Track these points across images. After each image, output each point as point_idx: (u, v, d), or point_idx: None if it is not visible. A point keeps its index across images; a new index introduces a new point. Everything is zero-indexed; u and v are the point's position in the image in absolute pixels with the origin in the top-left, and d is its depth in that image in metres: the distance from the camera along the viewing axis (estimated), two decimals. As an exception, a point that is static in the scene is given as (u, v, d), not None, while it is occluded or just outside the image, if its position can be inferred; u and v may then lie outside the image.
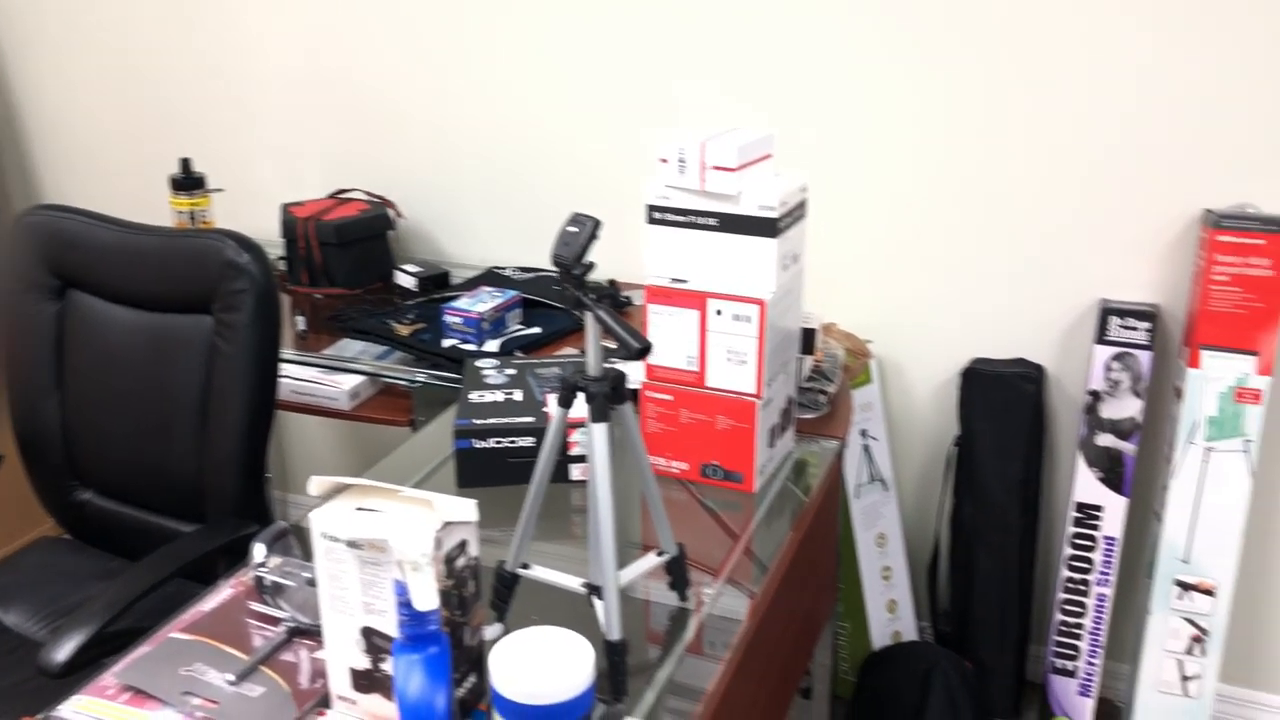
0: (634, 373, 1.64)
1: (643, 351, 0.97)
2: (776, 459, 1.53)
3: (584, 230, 1.00)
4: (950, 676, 1.99)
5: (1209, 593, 1.91)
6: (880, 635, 2.16)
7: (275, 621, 1.17)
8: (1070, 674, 2.05)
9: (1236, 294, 1.78)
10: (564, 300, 0.99)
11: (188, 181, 2.34)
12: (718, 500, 1.46)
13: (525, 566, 1.17)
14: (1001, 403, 2.04)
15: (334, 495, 1.01)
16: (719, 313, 1.39)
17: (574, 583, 1.15)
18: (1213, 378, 1.82)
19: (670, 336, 1.42)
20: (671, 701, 1.10)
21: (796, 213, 1.42)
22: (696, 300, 1.40)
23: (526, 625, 0.96)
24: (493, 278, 2.21)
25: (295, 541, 1.24)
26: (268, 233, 2.54)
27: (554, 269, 0.97)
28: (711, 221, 1.38)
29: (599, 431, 1.04)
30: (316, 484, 0.99)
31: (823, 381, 1.74)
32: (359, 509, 0.98)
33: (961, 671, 2.02)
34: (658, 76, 2.17)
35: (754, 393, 1.41)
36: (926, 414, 2.19)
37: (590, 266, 1.00)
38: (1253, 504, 1.99)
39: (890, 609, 2.18)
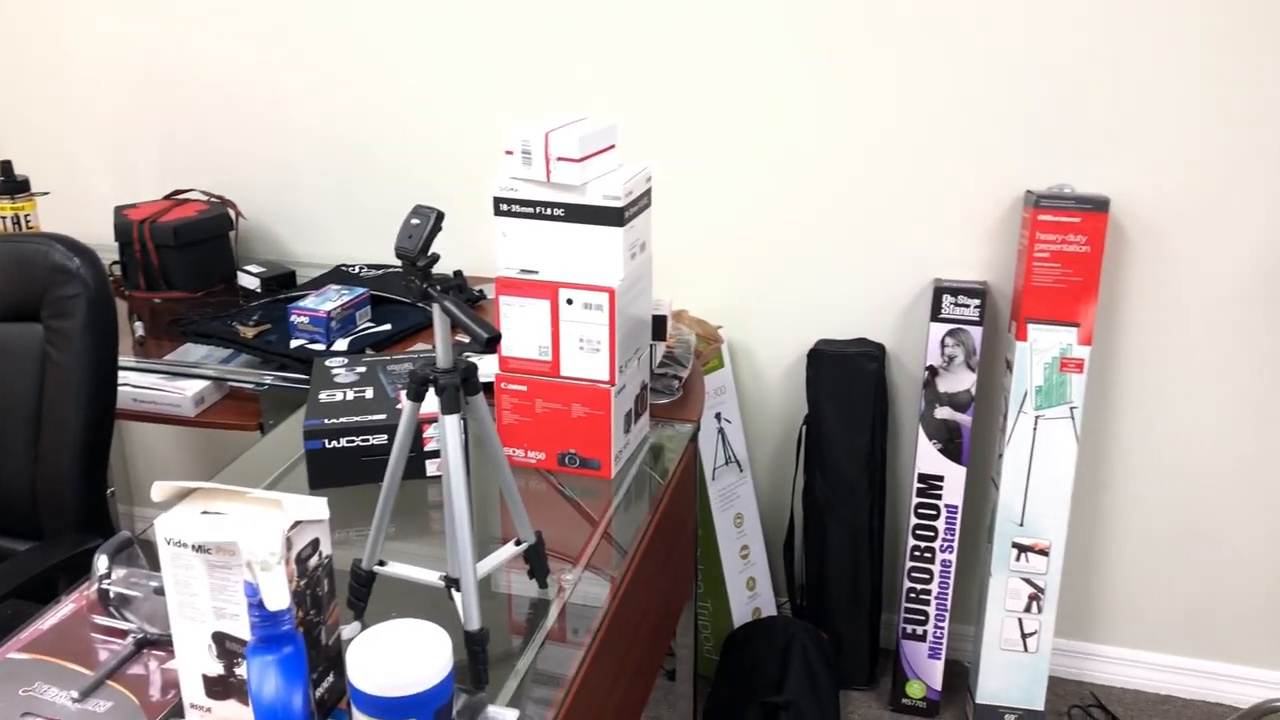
0: (487, 365, 1.64)
1: (492, 341, 0.98)
2: (633, 445, 1.55)
3: (426, 222, 1.00)
4: (808, 648, 2.06)
5: (1043, 553, 2.02)
6: (741, 613, 2.22)
7: (122, 634, 1.13)
8: (920, 638, 2.15)
9: (1057, 269, 1.90)
10: (410, 293, 0.99)
11: (10, 185, 2.22)
12: (576, 488, 1.47)
13: (381, 564, 1.16)
14: (846, 381, 2.11)
15: (179, 500, 0.98)
16: (570, 302, 1.40)
17: (432, 576, 1.15)
18: (1039, 349, 1.93)
19: (522, 327, 1.43)
20: (534, 689, 1.11)
21: (642, 202, 1.44)
22: (547, 290, 1.41)
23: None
24: (340, 275, 2.17)
25: (140, 551, 1.20)
26: (100, 237, 2.43)
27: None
28: (558, 212, 1.39)
29: (450, 423, 1.04)
30: (159, 489, 0.96)
31: (675, 367, 1.77)
32: (205, 513, 0.95)
33: (819, 643, 2.10)
34: (504, 66, 2.17)
35: (608, 380, 1.43)
36: (777, 395, 2.26)
37: (435, 258, 1.01)
38: (1079, 467, 2.12)
39: (749, 586, 2.24)
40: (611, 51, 2.09)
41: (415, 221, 1.00)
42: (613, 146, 1.42)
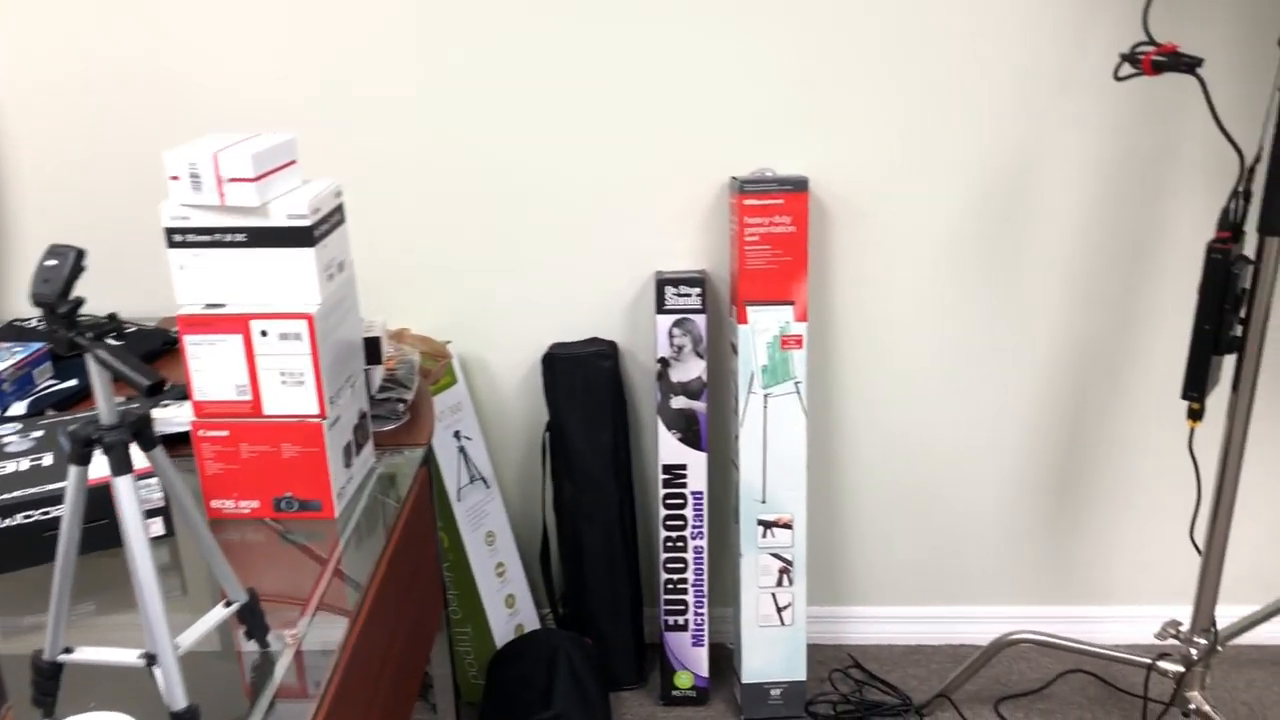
0: (183, 412, 1.51)
1: (154, 388, 0.87)
2: (357, 479, 1.46)
3: (65, 262, 0.88)
4: (574, 657, 2.02)
5: (787, 526, 2.07)
6: (502, 632, 2.16)
7: None
8: (683, 628, 2.16)
9: (767, 251, 1.94)
10: (55, 343, 0.87)
11: None
12: (301, 532, 1.37)
13: (68, 650, 1.02)
14: (583, 382, 2.09)
15: None
16: (264, 334, 1.30)
17: (130, 656, 1.02)
18: (760, 330, 1.98)
19: (215, 367, 1.31)
20: (262, 758, 1.02)
21: (334, 218, 1.35)
22: (237, 324, 1.30)
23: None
24: (14, 331, 1.94)
25: None
26: None
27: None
28: (240, 238, 1.28)
29: (123, 485, 0.93)
30: None
31: (399, 390, 1.69)
32: None
33: (584, 650, 2.06)
34: (171, 87, 2.00)
35: (317, 414, 1.33)
36: (516, 405, 2.21)
37: (79, 302, 0.89)
38: (810, 439, 2.19)
39: (509, 604, 2.18)
40: (288, 62, 1.98)
41: (51, 263, 0.89)
42: (293, 162, 1.32)
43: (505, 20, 1.94)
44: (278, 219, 1.27)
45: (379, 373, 1.63)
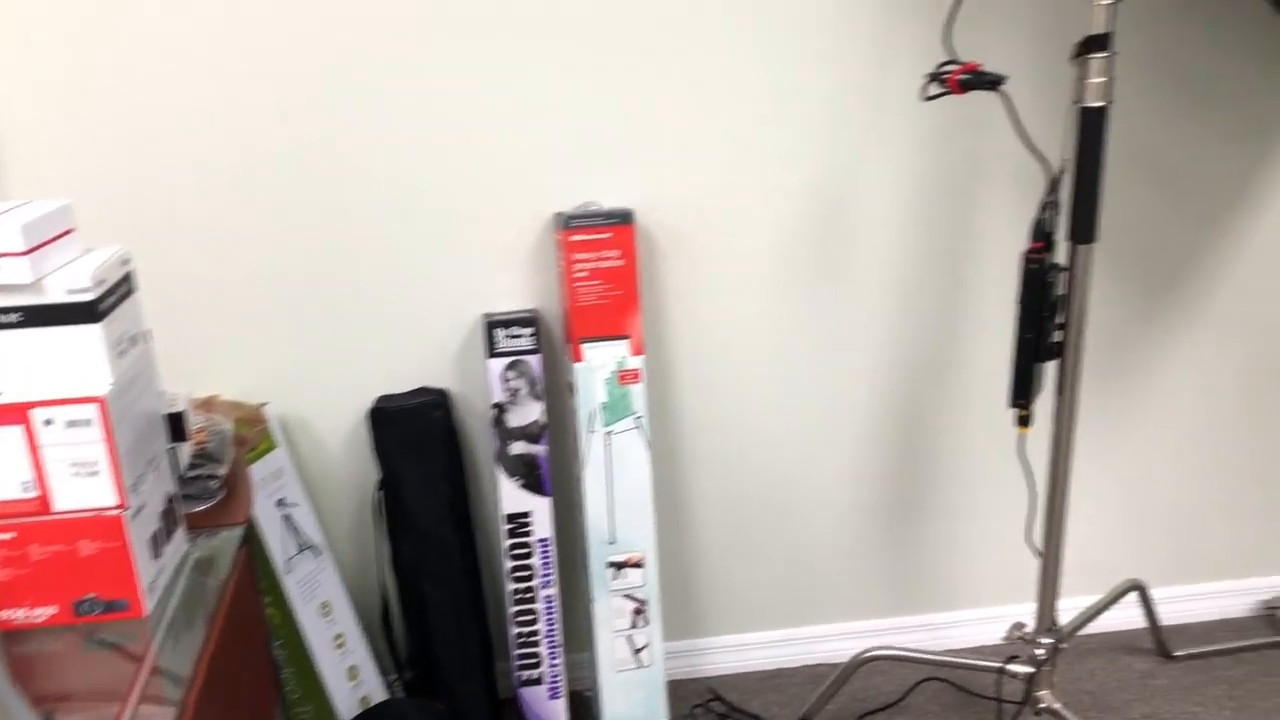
0: (-38, 514, 1.34)
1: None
2: (169, 569, 1.33)
3: None
4: (425, 726, 1.92)
5: (638, 565, 2.02)
6: (347, 707, 2.02)
7: None
8: (538, 681, 2.08)
9: (598, 286, 1.89)
10: None
11: None
12: (110, 633, 1.23)
13: None
14: (414, 435, 1.99)
15: None
16: (49, 422, 1.16)
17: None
18: (596, 367, 1.92)
19: (-7, 464, 1.17)
20: None
21: (121, 289, 1.23)
22: (16, 414, 1.16)
23: None
24: None
25: None
26: None
27: None
28: (14, 318, 1.14)
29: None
30: None
31: (210, 465, 1.56)
32: None
33: (435, 715, 1.96)
34: (-63, 151, 1.82)
35: (117, 504, 1.20)
36: (344, 464, 2.09)
37: None
38: (655, 474, 2.15)
39: (352, 676, 2.05)
40: (43, 117, 1.82)
41: None
42: (71, 230, 1.19)
43: (306, 46, 1.83)
44: (55, 295, 1.14)
45: (186, 449, 1.50)
